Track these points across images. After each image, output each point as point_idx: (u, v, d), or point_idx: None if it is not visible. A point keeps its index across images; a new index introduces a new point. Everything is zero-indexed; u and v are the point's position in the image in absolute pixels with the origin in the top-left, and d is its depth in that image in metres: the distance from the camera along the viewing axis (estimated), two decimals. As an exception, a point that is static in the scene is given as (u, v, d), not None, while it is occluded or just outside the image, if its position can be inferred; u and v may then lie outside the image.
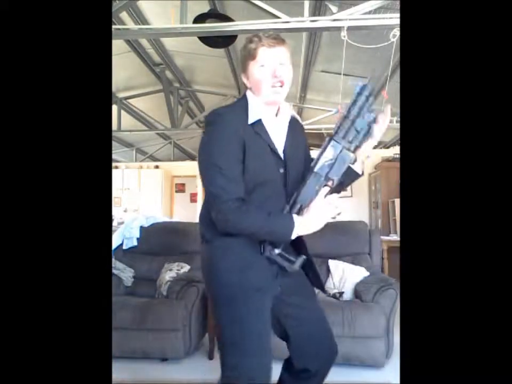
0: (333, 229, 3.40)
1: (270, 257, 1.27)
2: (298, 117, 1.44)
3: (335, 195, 1.28)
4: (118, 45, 4.21)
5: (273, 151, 1.30)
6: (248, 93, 1.35)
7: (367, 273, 3.03)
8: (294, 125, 1.41)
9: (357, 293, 2.87)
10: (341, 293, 2.90)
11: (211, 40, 3.74)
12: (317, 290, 1.45)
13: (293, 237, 1.24)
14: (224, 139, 1.24)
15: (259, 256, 1.27)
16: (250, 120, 1.28)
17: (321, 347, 1.38)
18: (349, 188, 7.46)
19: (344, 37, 2.89)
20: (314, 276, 1.41)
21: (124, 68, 5.08)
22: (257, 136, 1.28)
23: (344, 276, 3.05)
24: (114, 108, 6.17)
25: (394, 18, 2.83)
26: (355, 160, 1.33)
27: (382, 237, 3.89)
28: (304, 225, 1.24)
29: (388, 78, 3.89)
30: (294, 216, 1.24)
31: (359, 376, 2.51)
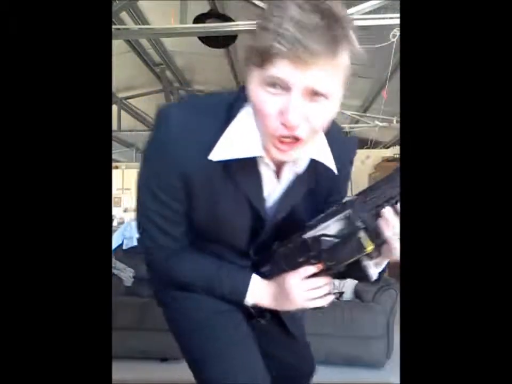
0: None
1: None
2: (327, 163, 0.84)
3: (326, 279, 0.88)
4: (118, 45, 4.20)
5: (252, 206, 0.84)
6: (248, 107, 0.77)
7: (367, 273, 3.03)
8: (314, 172, 0.86)
9: (357, 293, 2.87)
10: (341, 293, 2.91)
11: (211, 40, 3.74)
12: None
13: (250, 301, 0.91)
14: (156, 170, 0.83)
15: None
16: (215, 156, 0.77)
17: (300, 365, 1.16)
18: (348, 188, 7.40)
19: (344, 37, 2.89)
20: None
21: (124, 68, 5.07)
22: (228, 180, 0.81)
23: (344, 276, 3.05)
24: (114, 108, 6.16)
25: (394, 18, 2.83)
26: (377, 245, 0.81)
27: (382, 237, 3.88)
28: (266, 292, 0.90)
29: (388, 78, 3.90)
30: (254, 276, 0.90)
31: (359, 376, 2.51)
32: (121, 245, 3.30)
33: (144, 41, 4.68)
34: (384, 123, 5.74)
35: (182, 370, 2.56)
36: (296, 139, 0.71)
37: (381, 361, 2.57)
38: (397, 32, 2.84)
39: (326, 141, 0.85)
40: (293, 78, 0.64)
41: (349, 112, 5.86)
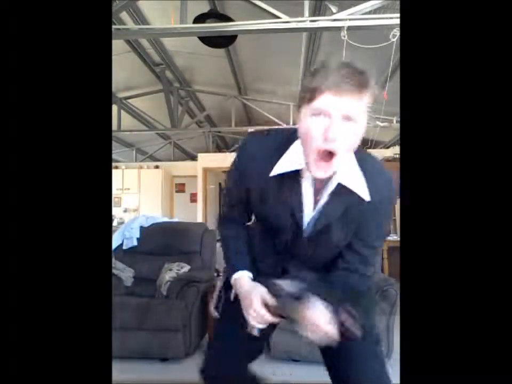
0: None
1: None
2: (357, 190, 1.01)
3: (266, 316, 1.04)
4: (118, 45, 4.21)
5: (293, 214, 1.05)
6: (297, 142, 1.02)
7: (367, 273, 3.03)
8: (353, 203, 1.02)
9: (357, 293, 2.87)
10: (341, 293, 2.90)
11: (211, 40, 3.74)
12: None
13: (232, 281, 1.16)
14: (232, 176, 1.14)
15: None
16: (274, 171, 1.02)
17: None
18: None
19: (344, 37, 2.89)
20: None
21: (124, 67, 5.07)
22: (279, 191, 1.04)
23: (344, 276, 3.05)
24: (114, 108, 6.16)
25: (394, 18, 2.83)
26: None
27: (382, 237, 3.88)
28: (237, 290, 1.13)
29: (388, 78, 3.90)
30: (242, 272, 1.14)
31: (359, 376, 2.51)
32: (121, 245, 3.29)
33: (144, 41, 4.68)
34: (384, 123, 5.74)
35: (182, 370, 2.56)
36: (332, 154, 0.90)
37: (381, 361, 2.57)
38: (397, 32, 2.84)
39: (360, 172, 1.02)
40: (334, 107, 0.88)
41: (349, 112, 5.84)
